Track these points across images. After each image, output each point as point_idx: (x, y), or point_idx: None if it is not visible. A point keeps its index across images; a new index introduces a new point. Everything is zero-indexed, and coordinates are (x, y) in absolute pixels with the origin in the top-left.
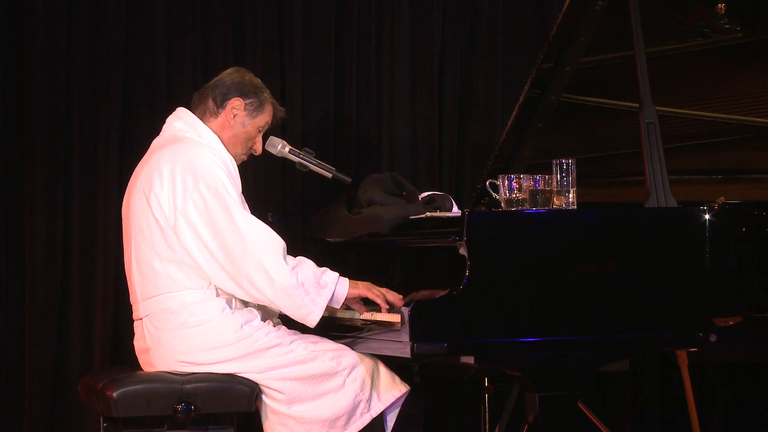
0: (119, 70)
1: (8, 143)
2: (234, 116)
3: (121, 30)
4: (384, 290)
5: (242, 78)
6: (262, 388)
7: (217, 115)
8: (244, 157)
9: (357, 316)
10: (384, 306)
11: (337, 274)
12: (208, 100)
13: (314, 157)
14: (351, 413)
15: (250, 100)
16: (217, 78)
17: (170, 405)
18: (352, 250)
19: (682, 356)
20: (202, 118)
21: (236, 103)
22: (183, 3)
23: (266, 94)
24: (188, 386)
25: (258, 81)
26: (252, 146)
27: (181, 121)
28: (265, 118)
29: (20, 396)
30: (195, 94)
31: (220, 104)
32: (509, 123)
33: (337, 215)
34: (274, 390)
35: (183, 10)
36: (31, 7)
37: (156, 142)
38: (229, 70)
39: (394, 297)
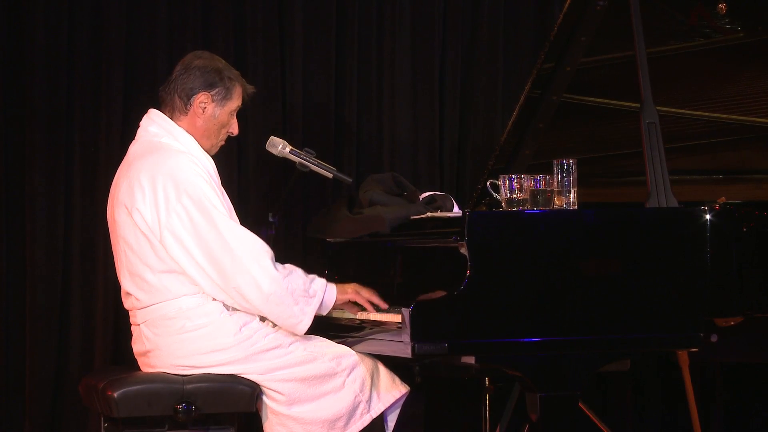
0: (120, 70)
1: (9, 143)
2: (203, 110)
3: (122, 29)
4: (370, 293)
5: (204, 67)
6: (263, 388)
7: (186, 113)
8: (222, 143)
9: (357, 315)
10: (371, 310)
11: (324, 281)
12: (175, 98)
13: (315, 157)
14: (351, 414)
15: (216, 90)
16: (179, 69)
17: (171, 405)
18: (353, 250)
19: (683, 356)
20: (171, 116)
21: (203, 98)
22: (184, 2)
23: (232, 78)
24: (189, 386)
25: (221, 64)
26: (228, 131)
27: (156, 125)
28: (235, 102)
29: (21, 396)
30: (161, 89)
31: (187, 102)
32: (510, 123)
33: (338, 215)
34: (274, 391)
35: (184, 9)
36: (31, 6)
37: (133, 148)
38: (190, 58)
39: (380, 300)
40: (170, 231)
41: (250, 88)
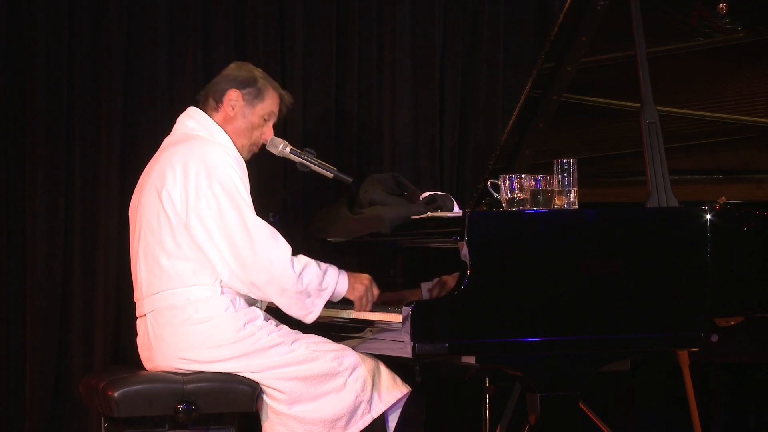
0: (120, 70)
1: (9, 143)
2: (232, 108)
3: (123, 29)
4: (375, 297)
5: (239, 70)
6: (263, 387)
7: (218, 110)
8: (255, 149)
9: (358, 316)
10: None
11: (336, 273)
12: (209, 98)
13: (315, 157)
14: (352, 414)
15: (247, 90)
16: (218, 76)
17: (171, 405)
18: (354, 250)
19: (684, 356)
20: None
21: (233, 95)
22: (184, 3)
23: (266, 83)
24: (189, 386)
25: (258, 72)
26: (260, 136)
27: (193, 120)
28: (267, 106)
29: (21, 396)
30: (201, 92)
31: (219, 99)
32: (510, 123)
33: (339, 215)
34: (276, 390)
35: (184, 9)
36: (32, 7)
37: (167, 140)
38: (231, 65)
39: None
40: (197, 214)
41: (288, 97)
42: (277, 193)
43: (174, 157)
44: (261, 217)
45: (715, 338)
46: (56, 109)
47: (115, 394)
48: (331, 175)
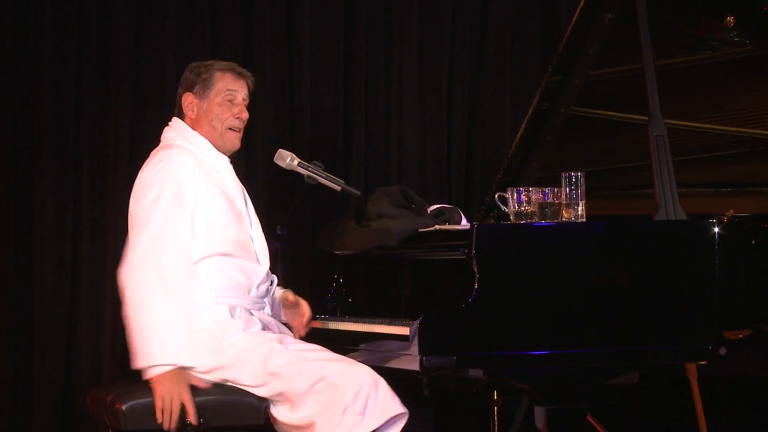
0: (129, 77)
1: (17, 147)
2: (192, 111)
3: (131, 37)
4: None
5: (186, 73)
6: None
7: (184, 118)
8: (236, 130)
9: (365, 328)
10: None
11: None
12: (175, 110)
13: (323, 170)
14: (341, 427)
15: (196, 88)
16: None
17: (179, 418)
18: (361, 262)
19: (692, 369)
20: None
21: (187, 100)
22: (193, 6)
23: (211, 70)
24: (197, 399)
25: (198, 64)
26: (230, 114)
27: (173, 130)
28: (221, 88)
29: (29, 408)
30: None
31: (180, 108)
32: (518, 136)
33: (346, 228)
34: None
35: (192, 13)
36: (39, 14)
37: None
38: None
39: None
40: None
41: (234, 64)
42: (284, 206)
43: (141, 173)
44: (268, 230)
45: (723, 351)
46: (64, 116)
47: (123, 407)
48: (338, 188)
